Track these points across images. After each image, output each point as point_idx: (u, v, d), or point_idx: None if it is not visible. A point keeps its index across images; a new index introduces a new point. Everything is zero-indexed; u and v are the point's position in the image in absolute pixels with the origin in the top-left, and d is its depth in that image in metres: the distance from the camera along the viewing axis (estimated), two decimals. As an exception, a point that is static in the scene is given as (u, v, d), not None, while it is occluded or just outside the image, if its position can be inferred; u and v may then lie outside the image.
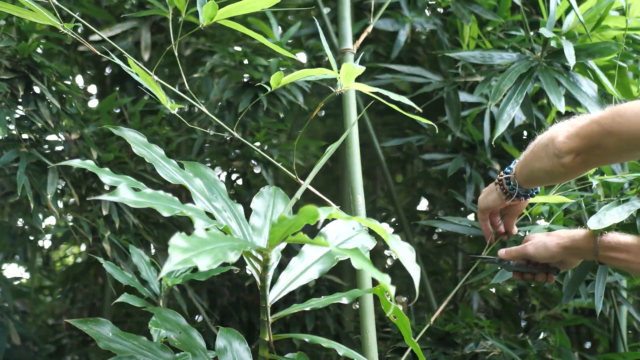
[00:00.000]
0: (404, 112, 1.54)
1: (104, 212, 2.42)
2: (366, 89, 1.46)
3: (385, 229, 1.08)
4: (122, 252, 2.44)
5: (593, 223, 1.62)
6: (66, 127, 2.41)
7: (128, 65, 1.45)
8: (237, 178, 2.96)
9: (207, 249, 0.93)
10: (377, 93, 1.46)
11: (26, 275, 3.55)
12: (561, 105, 1.93)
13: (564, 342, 2.37)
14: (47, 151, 2.37)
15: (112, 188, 2.07)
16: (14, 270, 3.62)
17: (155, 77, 1.49)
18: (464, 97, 2.53)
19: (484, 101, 2.55)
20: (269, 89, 1.51)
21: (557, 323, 2.57)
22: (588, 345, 3.21)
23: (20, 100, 2.22)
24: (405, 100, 1.49)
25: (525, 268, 1.70)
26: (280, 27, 3.18)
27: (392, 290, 0.98)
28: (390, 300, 1.14)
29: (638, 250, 1.52)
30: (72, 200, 2.55)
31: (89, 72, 3.45)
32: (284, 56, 2.54)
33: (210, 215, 1.27)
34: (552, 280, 1.71)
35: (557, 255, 1.62)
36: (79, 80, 3.55)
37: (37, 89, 2.25)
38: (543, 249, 1.62)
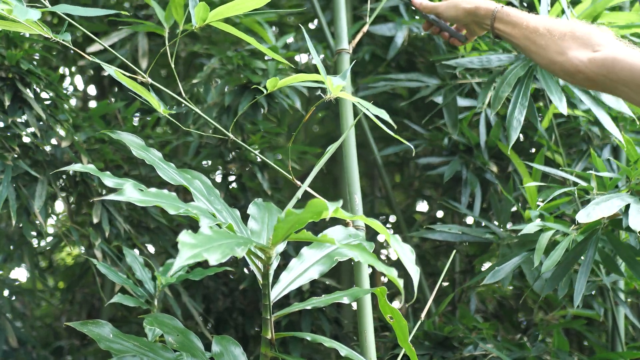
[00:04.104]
0: (387, 129, 1.52)
1: (95, 220, 2.37)
2: (351, 98, 1.47)
3: (386, 229, 1.09)
4: (113, 259, 2.41)
5: (582, 217, 1.63)
6: (57, 135, 2.37)
7: (125, 72, 1.43)
8: (233, 181, 2.95)
9: (215, 244, 0.96)
10: (362, 104, 1.46)
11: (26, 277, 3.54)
12: (563, 107, 1.93)
13: (563, 344, 2.37)
14: (37, 158, 2.33)
15: (112, 191, 2.06)
16: (17, 272, 3.61)
17: (150, 80, 1.48)
18: (459, 101, 2.54)
19: (478, 104, 2.55)
20: (265, 92, 1.51)
21: (553, 325, 2.57)
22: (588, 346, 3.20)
23: (6, 108, 2.17)
24: (384, 115, 1.48)
25: (433, 19, 1.70)
26: (277, 28, 3.19)
27: (401, 282, 1.00)
28: (399, 293, 1.15)
29: (525, 27, 1.53)
30: (63, 206, 2.51)
31: (87, 74, 3.44)
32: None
33: (212, 215, 1.28)
34: (454, 43, 1.73)
35: (461, 17, 1.63)
36: (78, 80, 3.56)
37: (26, 97, 2.22)
38: (453, 9, 1.63)
